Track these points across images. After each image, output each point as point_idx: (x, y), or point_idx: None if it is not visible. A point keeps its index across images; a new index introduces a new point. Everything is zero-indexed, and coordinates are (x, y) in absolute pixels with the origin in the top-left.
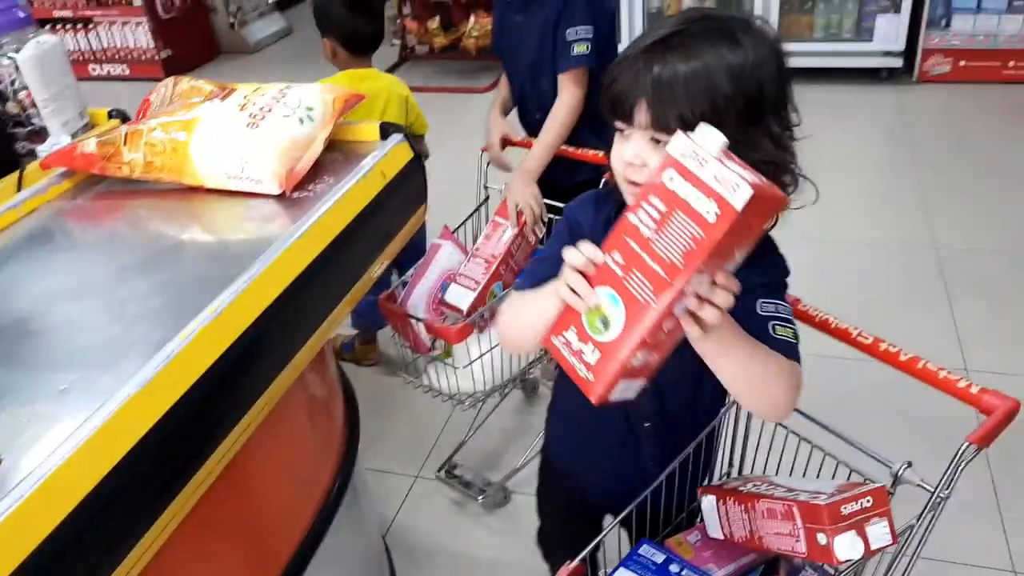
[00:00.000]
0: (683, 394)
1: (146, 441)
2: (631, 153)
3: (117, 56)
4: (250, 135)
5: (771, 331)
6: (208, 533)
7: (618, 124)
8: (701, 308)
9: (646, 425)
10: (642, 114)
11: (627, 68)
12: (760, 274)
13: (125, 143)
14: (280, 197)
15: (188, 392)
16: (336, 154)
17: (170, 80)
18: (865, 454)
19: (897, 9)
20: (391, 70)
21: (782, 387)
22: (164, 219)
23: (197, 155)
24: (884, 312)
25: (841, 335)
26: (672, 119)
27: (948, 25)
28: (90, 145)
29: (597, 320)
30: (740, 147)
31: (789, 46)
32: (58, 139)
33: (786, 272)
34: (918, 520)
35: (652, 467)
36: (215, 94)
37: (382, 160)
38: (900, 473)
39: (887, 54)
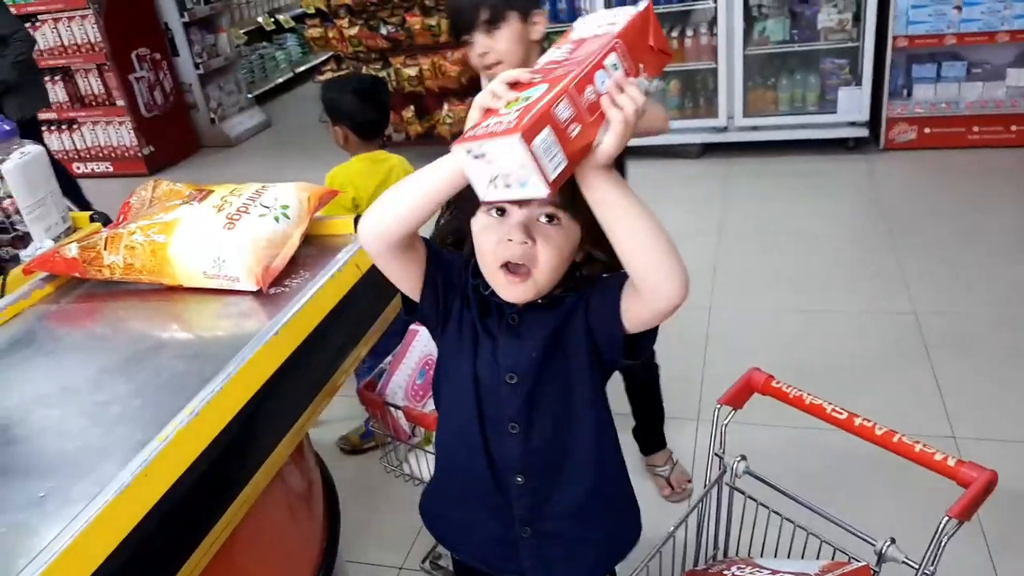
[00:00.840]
0: (552, 437)
1: (124, 547)
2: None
3: (101, 154)
4: (227, 235)
5: None
6: None
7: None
8: (618, 93)
9: (517, 480)
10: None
11: None
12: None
13: (106, 247)
14: (257, 294)
15: (166, 495)
16: (312, 248)
17: (150, 183)
18: (848, 531)
19: (858, 82)
20: None
21: (676, 252)
22: (144, 319)
23: (176, 256)
24: (866, 381)
25: (815, 411)
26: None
27: (910, 95)
28: (71, 250)
29: (518, 101)
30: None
31: (755, 120)
32: (41, 243)
33: None
34: None
35: (527, 540)
36: (193, 196)
37: (357, 253)
38: (884, 550)
39: (852, 124)
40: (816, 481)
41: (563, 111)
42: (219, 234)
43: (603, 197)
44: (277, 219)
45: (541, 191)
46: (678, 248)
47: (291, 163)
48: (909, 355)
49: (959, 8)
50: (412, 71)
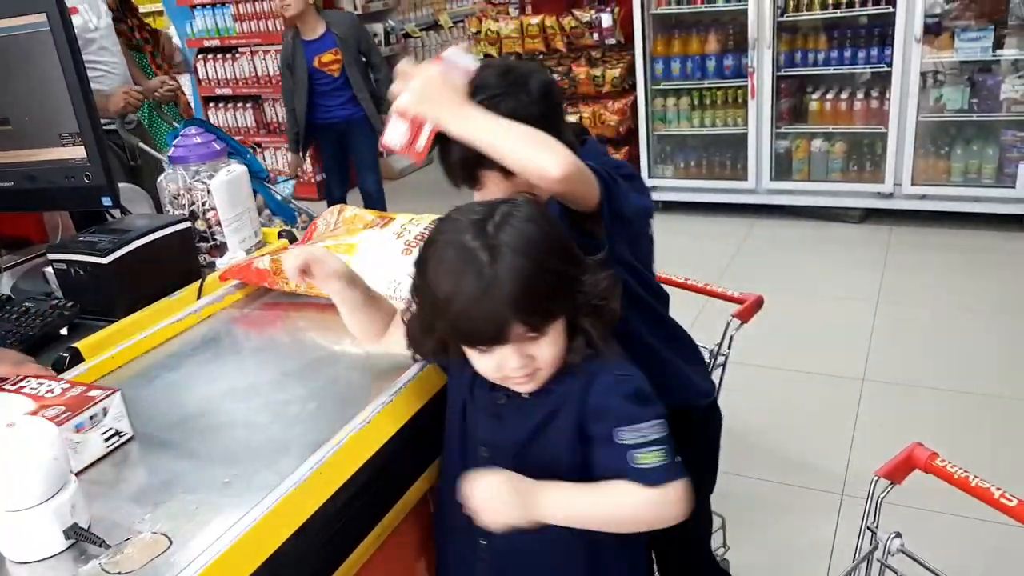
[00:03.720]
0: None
1: (297, 537)
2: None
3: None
4: (405, 260)
5: (631, 461)
6: None
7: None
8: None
9: (482, 543)
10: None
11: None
12: (616, 390)
13: None
14: None
15: (336, 493)
16: None
17: (336, 208)
18: None
19: None
20: None
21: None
22: (322, 330)
23: None
24: None
25: (982, 495)
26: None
27: None
28: (264, 262)
29: None
30: None
31: (924, 189)
32: (235, 254)
33: (641, 379)
34: None
35: None
36: (375, 223)
37: None
38: None
39: None
40: (971, 571)
41: None
42: (397, 259)
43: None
44: None
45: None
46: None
47: (449, 200)
48: None
49: None
50: (573, 118)
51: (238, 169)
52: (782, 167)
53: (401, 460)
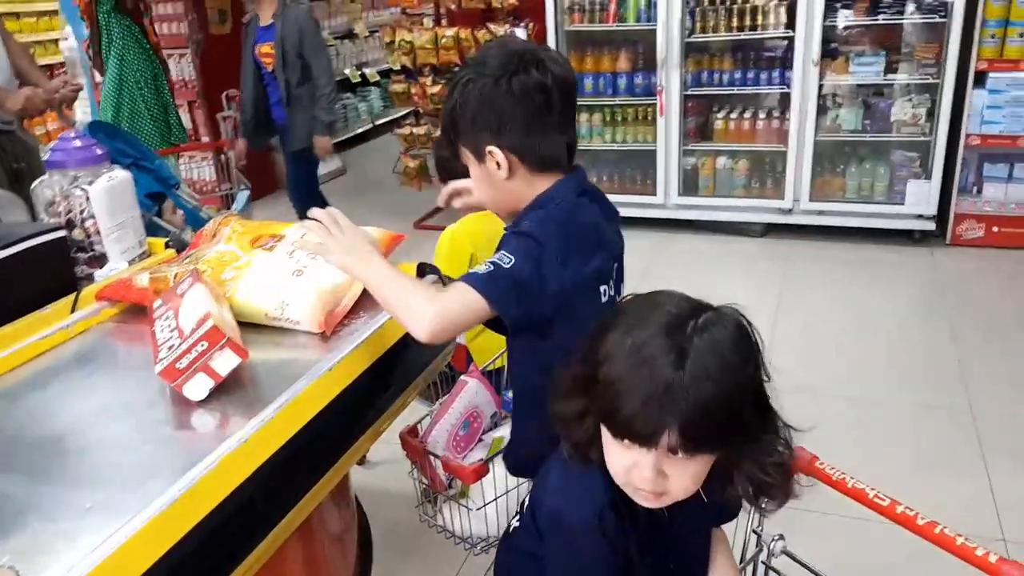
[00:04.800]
0: None
1: (160, 565)
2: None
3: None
4: (295, 281)
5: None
6: None
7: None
8: None
9: None
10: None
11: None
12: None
13: (174, 280)
14: (316, 333)
15: (207, 517)
16: None
17: (218, 218)
18: None
19: (928, 176)
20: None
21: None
22: None
23: (241, 297)
24: (917, 475)
25: (857, 496)
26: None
27: (980, 192)
28: (143, 279)
29: None
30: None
31: (821, 205)
32: (116, 264)
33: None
34: None
35: None
36: (265, 242)
37: None
38: None
39: (919, 217)
40: (858, 571)
41: None
42: (287, 280)
43: None
44: None
45: None
46: None
47: (362, 210)
48: (963, 454)
49: None
50: None
51: (121, 176)
52: (689, 183)
53: (282, 480)
